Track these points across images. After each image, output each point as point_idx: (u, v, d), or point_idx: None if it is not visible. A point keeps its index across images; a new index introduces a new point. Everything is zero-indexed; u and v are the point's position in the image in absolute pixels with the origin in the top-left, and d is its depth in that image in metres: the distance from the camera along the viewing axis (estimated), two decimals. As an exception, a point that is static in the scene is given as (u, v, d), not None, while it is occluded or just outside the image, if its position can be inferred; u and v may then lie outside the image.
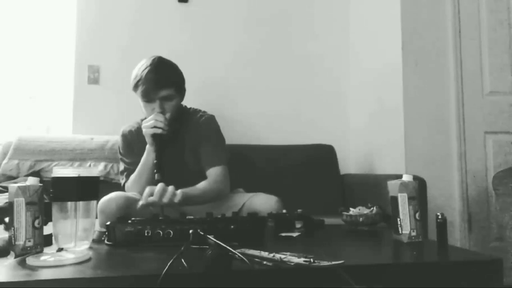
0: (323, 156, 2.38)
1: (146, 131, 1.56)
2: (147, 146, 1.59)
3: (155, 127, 1.54)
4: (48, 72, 2.44)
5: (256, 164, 2.22)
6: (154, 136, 1.55)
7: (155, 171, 1.50)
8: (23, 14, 2.41)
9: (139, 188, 1.59)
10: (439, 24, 2.18)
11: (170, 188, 1.34)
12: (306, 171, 2.29)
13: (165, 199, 1.32)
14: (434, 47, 2.17)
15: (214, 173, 1.62)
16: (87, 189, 1.08)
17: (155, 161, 1.53)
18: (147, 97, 1.59)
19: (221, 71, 2.52)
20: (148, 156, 1.59)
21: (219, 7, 2.55)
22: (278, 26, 2.62)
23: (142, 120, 1.72)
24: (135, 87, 1.60)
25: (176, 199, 1.34)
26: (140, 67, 1.61)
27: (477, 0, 2.21)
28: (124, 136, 1.74)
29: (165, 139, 1.57)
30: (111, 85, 2.37)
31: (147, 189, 1.34)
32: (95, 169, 1.94)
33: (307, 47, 2.64)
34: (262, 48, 2.59)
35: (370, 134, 2.44)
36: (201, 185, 1.56)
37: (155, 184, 1.50)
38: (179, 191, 1.36)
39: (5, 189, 1.71)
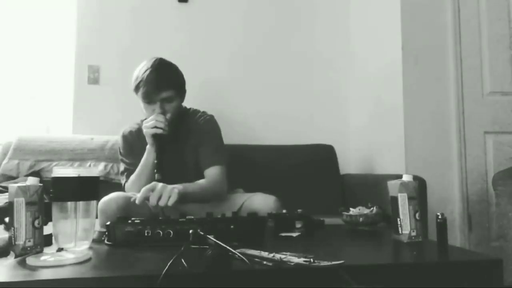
0: (323, 156, 2.38)
1: (147, 131, 1.57)
2: (148, 146, 1.60)
3: (155, 127, 1.55)
4: (48, 72, 2.44)
5: (256, 164, 2.22)
6: (155, 136, 1.56)
7: (155, 170, 1.51)
8: (23, 14, 2.41)
9: (139, 188, 1.58)
10: (439, 24, 2.18)
11: (166, 192, 1.30)
12: (306, 171, 2.29)
13: (162, 203, 1.29)
14: (434, 47, 2.17)
15: (212, 173, 1.62)
16: (87, 189, 1.08)
17: (155, 161, 1.54)
18: (148, 99, 1.60)
19: (220, 71, 2.51)
20: (148, 156, 1.59)
21: (219, 7, 2.55)
22: (278, 26, 2.62)
23: (142, 121, 1.73)
24: (136, 88, 1.61)
25: (170, 202, 1.29)
26: (141, 69, 1.62)
27: (477, 0, 2.21)
28: (125, 137, 1.75)
29: (165, 140, 1.58)
30: (111, 85, 2.37)
31: (143, 190, 1.31)
32: (95, 169, 1.94)
33: (307, 47, 2.64)
34: (262, 48, 2.59)
35: (370, 134, 2.44)
36: (200, 182, 1.56)
37: None
38: (175, 191, 1.31)
39: (5, 189, 1.71)
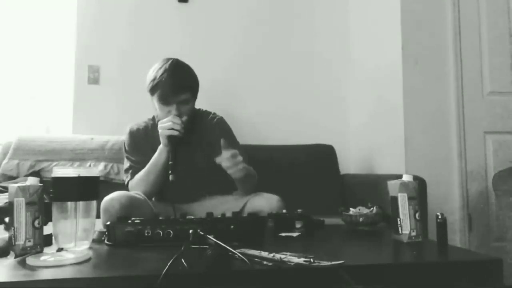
0: (323, 156, 2.38)
1: (163, 132, 1.55)
2: (160, 146, 1.58)
3: (172, 129, 1.54)
4: (48, 72, 2.44)
5: (256, 164, 2.20)
6: (170, 137, 1.55)
7: (169, 172, 1.50)
8: (23, 14, 2.41)
9: (145, 187, 1.59)
10: (439, 24, 2.18)
11: (241, 164, 1.40)
12: (306, 171, 2.29)
13: (231, 171, 1.40)
14: (434, 47, 2.17)
15: None
16: (87, 189, 1.08)
17: (170, 163, 1.52)
18: (165, 101, 1.59)
19: (221, 72, 2.51)
20: (159, 156, 1.58)
21: (219, 7, 2.55)
22: (278, 27, 2.62)
23: (149, 119, 1.74)
24: (152, 90, 1.60)
25: (238, 175, 1.43)
26: (158, 70, 1.60)
27: (477, 0, 2.21)
28: (132, 133, 1.72)
29: (179, 141, 1.57)
30: (111, 85, 2.37)
31: (230, 153, 1.38)
32: (95, 169, 1.94)
33: (307, 47, 2.64)
34: (262, 48, 2.59)
35: (370, 134, 2.44)
36: (250, 168, 1.57)
37: (168, 185, 1.50)
38: (244, 169, 1.44)
39: (5, 189, 1.71)
